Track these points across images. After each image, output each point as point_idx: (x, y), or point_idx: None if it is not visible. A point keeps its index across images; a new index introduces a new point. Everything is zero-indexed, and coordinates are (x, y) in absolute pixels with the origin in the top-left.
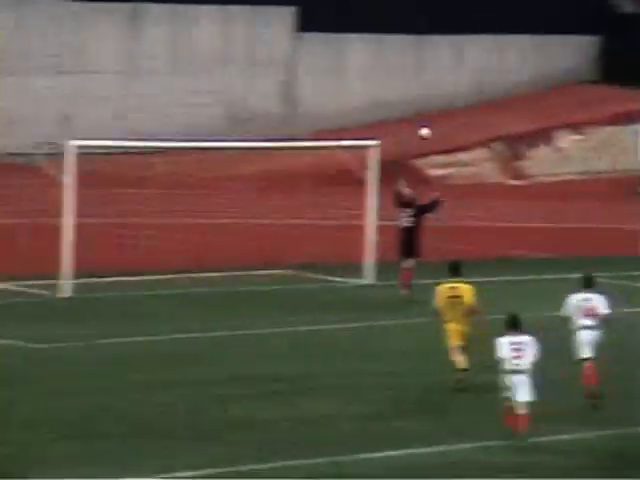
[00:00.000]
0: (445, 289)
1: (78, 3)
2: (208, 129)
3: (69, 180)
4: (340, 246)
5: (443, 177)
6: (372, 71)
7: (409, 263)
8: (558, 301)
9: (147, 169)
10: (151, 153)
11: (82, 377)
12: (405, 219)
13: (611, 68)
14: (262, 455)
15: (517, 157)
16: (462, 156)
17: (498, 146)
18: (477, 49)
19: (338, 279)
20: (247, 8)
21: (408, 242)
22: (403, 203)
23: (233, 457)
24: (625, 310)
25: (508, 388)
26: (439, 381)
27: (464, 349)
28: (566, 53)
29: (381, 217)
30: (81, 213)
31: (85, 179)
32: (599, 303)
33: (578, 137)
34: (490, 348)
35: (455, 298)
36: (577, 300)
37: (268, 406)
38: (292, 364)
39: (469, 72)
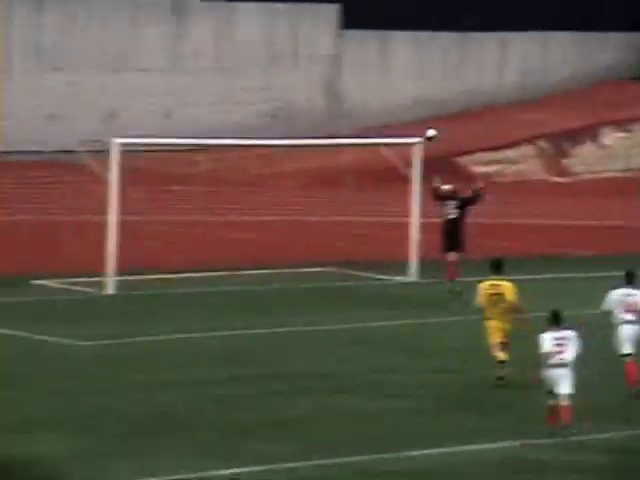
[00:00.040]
0: (487, 286)
1: (124, 0)
2: (252, 126)
3: (114, 177)
4: (384, 243)
5: (488, 174)
6: (416, 68)
7: (453, 256)
8: (601, 299)
9: (191, 166)
10: (195, 150)
11: (129, 374)
12: (450, 211)
13: None
14: (307, 452)
15: (562, 154)
16: (507, 153)
17: (543, 143)
18: (521, 46)
19: (382, 277)
20: (291, 5)
21: (452, 234)
22: (443, 197)
23: (279, 454)
24: None
25: (551, 384)
26: (481, 378)
27: (505, 346)
28: (608, 50)
29: (424, 215)
30: (125, 210)
31: (130, 176)
32: None
33: (623, 134)
34: (532, 345)
35: (497, 296)
36: (619, 295)
37: (312, 402)
38: (335, 361)
39: (513, 69)
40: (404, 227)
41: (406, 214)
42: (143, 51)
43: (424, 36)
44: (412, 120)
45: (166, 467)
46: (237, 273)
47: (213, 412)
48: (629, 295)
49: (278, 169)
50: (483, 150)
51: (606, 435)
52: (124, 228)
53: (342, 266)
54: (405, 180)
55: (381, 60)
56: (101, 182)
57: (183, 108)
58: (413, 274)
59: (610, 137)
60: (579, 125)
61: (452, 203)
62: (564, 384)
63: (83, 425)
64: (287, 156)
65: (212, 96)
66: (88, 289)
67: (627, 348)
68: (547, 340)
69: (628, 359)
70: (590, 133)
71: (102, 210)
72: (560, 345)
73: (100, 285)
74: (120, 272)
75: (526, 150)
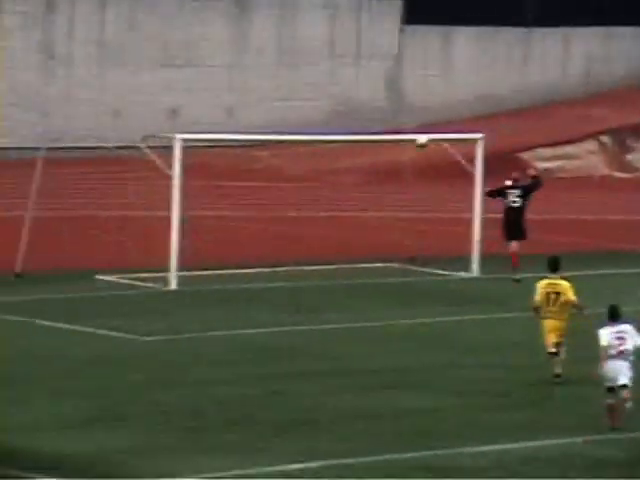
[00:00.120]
0: (544, 285)
1: None
2: (314, 122)
3: (176, 173)
4: (445, 239)
5: (550, 170)
6: (479, 64)
7: (515, 246)
8: None
9: (253, 162)
10: (257, 146)
11: (187, 369)
12: (513, 199)
13: None
14: (368, 448)
15: (624, 150)
16: (569, 149)
17: (605, 139)
18: (584, 41)
19: (443, 272)
20: (354, 1)
21: (515, 223)
22: (498, 192)
23: (341, 450)
24: None
25: (609, 377)
26: (539, 375)
27: (561, 344)
28: None
29: (486, 210)
30: (188, 206)
31: (192, 172)
32: None
33: None
34: (589, 342)
35: (554, 294)
36: None
37: (372, 398)
38: (395, 356)
39: (576, 64)
40: (466, 223)
41: (468, 210)
42: (206, 47)
43: (487, 31)
44: (474, 116)
45: (219, 464)
46: (298, 269)
47: (265, 408)
48: None
49: (340, 165)
50: (545, 146)
51: None
52: (188, 223)
53: (404, 262)
54: (467, 176)
55: (443, 56)
56: (164, 178)
57: (245, 104)
58: (474, 270)
59: None
60: None
61: (515, 192)
62: (623, 376)
63: (144, 421)
64: (349, 152)
65: (274, 92)
66: (151, 284)
67: None
68: (606, 334)
69: None
70: None
71: (165, 206)
72: (620, 339)
73: (163, 280)
74: (183, 267)
75: (588, 145)
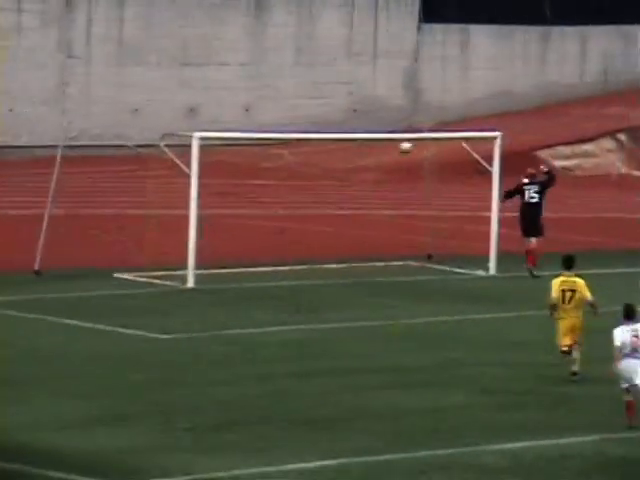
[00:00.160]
0: (560, 282)
1: None
2: (332, 120)
3: (194, 171)
4: (463, 237)
5: (567, 168)
6: (496, 62)
7: (534, 243)
8: None
9: (272, 160)
10: (276, 144)
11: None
12: (531, 194)
13: None
14: (390, 445)
15: None
16: (587, 147)
17: (623, 137)
18: (602, 39)
19: (460, 270)
20: None
21: (533, 219)
22: (518, 186)
23: (366, 447)
24: None
25: (625, 378)
26: (556, 373)
27: (578, 343)
28: None
29: (503, 209)
30: (206, 204)
31: (210, 170)
32: None
33: None
34: (605, 340)
35: (570, 292)
36: None
37: (395, 396)
38: (413, 354)
39: (594, 62)
40: (483, 221)
41: (485, 208)
42: (224, 46)
43: (504, 30)
44: (492, 114)
45: (247, 460)
46: (316, 267)
47: (286, 405)
48: None
49: (357, 163)
50: (563, 144)
51: None
52: (205, 222)
53: (421, 260)
54: (484, 174)
55: (461, 54)
56: (182, 176)
57: (263, 102)
58: (492, 268)
59: None
60: None
61: (532, 187)
62: (638, 376)
63: (162, 420)
64: (367, 150)
65: (292, 90)
66: (169, 282)
67: None
68: (621, 333)
69: None
70: None
71: (183, 204)
72: (635, 337)
73: (181, 278)
74: (201, 266)
75: (606, 144)
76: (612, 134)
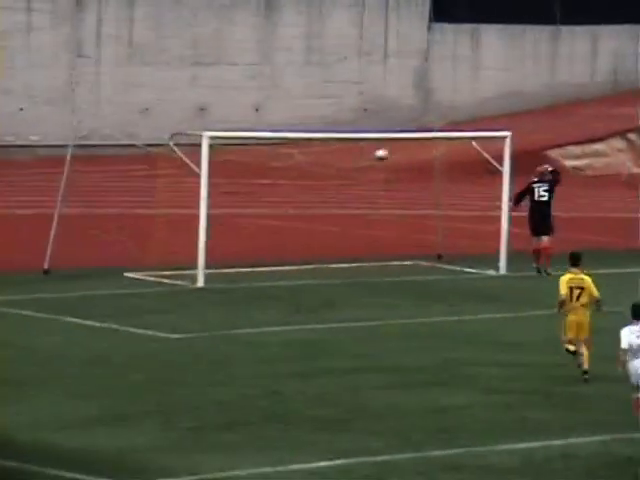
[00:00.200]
0: (568, 279)
1: None
2: (342, 120)
3: (204, 171)
4: (473, 237)
5: (578, 168)
6: (507, 62)
7: (547, 242)
8: None
9: (281, 160)
10: (286, 144)
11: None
12: (542, 192)
13: None
14: (397, 445)
15: None
16: (597, 146)
17: (633, 136)
18: (613, 39)
19: (471, 270)
20: None
21: (544, 217)
22: (528, 186)
23: (367, 447)
24: None
25: (634, 375)
26: (566, 372)
27: (586, 339)
28: None
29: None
30: (215, 204)
31: (219, 170)
32: None
33: None
34: (615, 341)
35: (578, 289)
36: None
37: (402, 396)
38: (422, 354)
39: (604, 62)
40: (493, 220)
41: (495, 208)
42: (234, 45)
43: (515, 29)
44: (502, 114)
45: (249, 460)
46: (326, 266)
47: (295, 405)
48: None
49: (367, 163)
50: (574, 143)
51: None
52: (214, 221)
53: (431, 260)
54: (494, 174)
55: (471, 53)
56: (192, 175)
57: (273, 102)
58: (502, 267)
59: None
60: None
61: (543, 186)
62: None
63: (163, 420)
64: (377, 149)
65: (303, 90)
66: (179, 282)
67: None
68: (628, 334)
69: None
70: None
71: (193, 203)
72: None
73: (191, 278)
74: (211, 265)
75: (616, 143)
76: (622, 134)
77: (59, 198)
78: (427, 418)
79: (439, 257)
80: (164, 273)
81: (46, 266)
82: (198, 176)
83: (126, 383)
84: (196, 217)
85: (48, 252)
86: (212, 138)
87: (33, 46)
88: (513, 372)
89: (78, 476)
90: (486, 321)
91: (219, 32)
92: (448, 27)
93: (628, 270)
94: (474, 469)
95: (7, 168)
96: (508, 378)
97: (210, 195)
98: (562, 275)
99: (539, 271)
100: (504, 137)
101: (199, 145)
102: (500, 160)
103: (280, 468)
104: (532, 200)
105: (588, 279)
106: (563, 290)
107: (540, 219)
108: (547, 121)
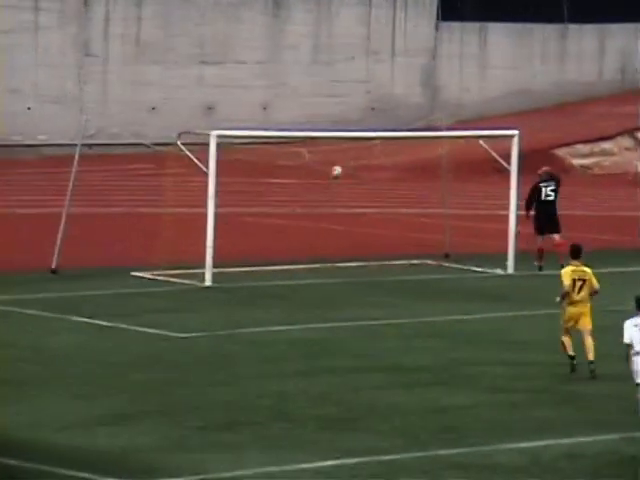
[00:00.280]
0: (570, 272)
1: None
2: (350, 118)
3: (212, 170)
4: (481, 236)
5: (586, 166)
6: (514, 60)
7: (558, 238)
8: None
9: (288, 159)
10: (293, 143)
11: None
12: (549, 192)
13: None
14: (403, 444)
15: None
16: (605, 145)
17: None
18: (620, 37)
19: (478, 269)
20: None
21: (550, 216)
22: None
23: (371, 446)
24: None
25: (635, 372)
26: (569, 371)
27: (590, 331)
28: None
29: (521, 207)
30: (223, 203)
31: (227, 168)
32: None
33: None
34: (614, 339)
35: (580, 281)
36: None
37: (407, 395)
38: (428, 353)
39: (612, 60)
40: (501, 219)
41: (503, 207)
42: (241, 44)
43: (522, 28)
44: (510, 112)
45: (254, 459)
46: (333, 265)
47: (299, 405)
48: None
49: (375, 162)
50: (582, 142)
51: None
52: (222, 220)
53: (438, 259)
54: (502, 172)
55: (479, 52)
56: (200, 174)
57: (281, 101)
58: (510, 267)
59: None
60: None
61: (550, 186)
62: None
63: (168, 419)
64: (385, 148)
65: (310, 89)
66: (187, 281)
67: None
68: (630, 327)
69: None
70: None
71: (200, 202)
72: None
73: (198, 277)
74: (218, 264)
75: (624, 142)
76: (630, 132)
77: (67, 197)
78: (432, 417)
79: (446, 256)
80: (172, 272)
81: (54, 265)
82: (205, 175)
83: (130, 382)
84: (203, 216)
85: (56, 252)
86: (220, 137)
87: (40, 45)
88: (519, 371)
89: (82, 475)
90: (493, 320)
91: (227, 31)
92: (456, 26)
93: (635, 269)
94: (480, 468)
95: (13, 167)
96: (514, 377)
97: (217, 194)
98: (562, 267)
99: (540, 269)
100: (512, 136)
101: (207, 144)
102: (508, 159)
103: (285, 467)
104: (539, 200)
105: (589, 271)
106: (566, 282)
107: (547, 218)
108: (555, 120)
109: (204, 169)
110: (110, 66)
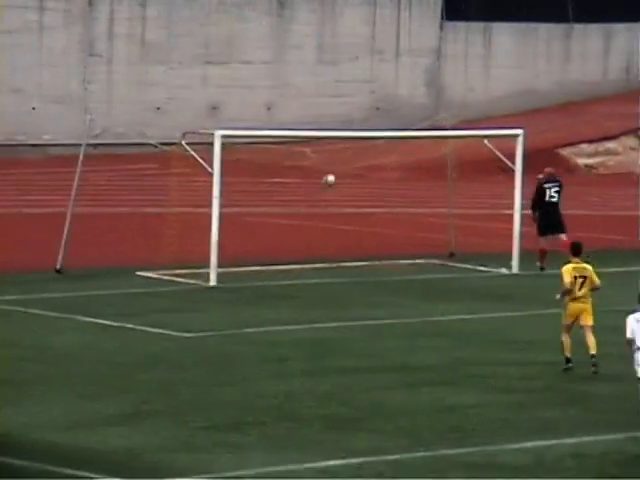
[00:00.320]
0: (571, 269)
1: None
2: (355, 118)
3: (216, 169)
4: (485, 235)
5: (590, 166)
6: (519, 60)
7: (564, 239)
8: None
9: (293, 159)
10: (298, 143)
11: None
12: (552, 193)
13: None
14: (408, 444)
15: None
16: (609, 145)
17: None
18: (625, 37)
19: (483, 268)
20: None
21: (555, 216)
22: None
23: (379, 446)
24: None
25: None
26: (577, 371)
27: (592, 327)
28: None
29: (526, 207)
30: (228, 202)
31: (232, 168)
32: None
33: None
34: (618, 339)
35: (581, 278)
36: None
37: (412, 395)
38: (433, 353)
39: (617, 60)
40: (506, 219)
41: (507, 206)
42: (246, 44)
43: (527, 27)
44: (514, 112)
45: (260, 459)
46: (338, 265)
47: (305, 404)
48: None
49: (379, 161)
50: (586, 142)
51: None
52: (227, 220)
53: (443, 258)
54: (507, 172)
55: (483, 52)
56: (204, 174)
57: (286, 101)
58: (515, 266)
59: None
60: None
61: (554, 187)
62: None
63: (173, 419)
64: (389, 148)
65: (314, 89)
66: (192, 281)
67: None
68: (632, 321)
69: None
70: None
71: (205, 202)
72: None
73: (203, 277)
74: (223, 264)
75: (629, 141)
76: (635, 132)
77: (72, 197)
78: (438, 417)
79: (451, 255)
80: (177, 272)
81: (58, 265)
82: (210, 175)
83: (135, 382)
84: (208, 216)
85: (61, 251)
86: (224, 137)
87: (45, 45)
88: (524, 371)
89: (86, 474)
90: (498, 320)
91: (231, 31)
92: (460, 25)
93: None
94: (485, 468)
95: (18, 167)
96: (519, 377)
97: (222, 194)
98: (563, 264)
99: (542, 270)
100: (516, 135)
101: (211, 144)
102: (512, 158)
103: (291, 467)
104: (542, 201)
105: (589, 267)
106: (567, 279)
107: (552, 219)
108: (559, 119)
109: (209, 169)
110: (115, 66)
